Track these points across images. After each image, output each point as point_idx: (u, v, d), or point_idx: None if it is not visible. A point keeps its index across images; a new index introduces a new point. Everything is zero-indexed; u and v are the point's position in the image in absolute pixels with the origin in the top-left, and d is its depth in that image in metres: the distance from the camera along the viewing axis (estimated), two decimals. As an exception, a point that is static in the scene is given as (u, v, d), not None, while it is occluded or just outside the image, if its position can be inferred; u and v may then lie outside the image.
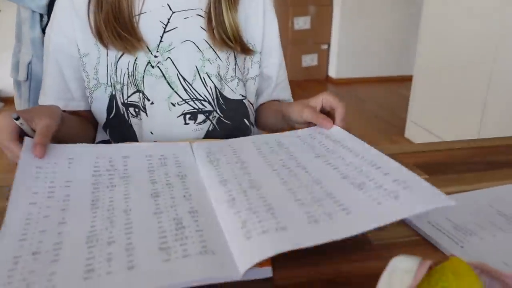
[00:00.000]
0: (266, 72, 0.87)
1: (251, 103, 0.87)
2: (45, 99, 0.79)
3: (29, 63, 0.86)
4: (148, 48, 0.74)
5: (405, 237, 0.49)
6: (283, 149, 0.61)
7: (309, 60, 4.16)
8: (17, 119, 0.56)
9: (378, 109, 3.41)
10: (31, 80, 0.88)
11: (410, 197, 0.44)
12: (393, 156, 0.69)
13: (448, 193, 0.56)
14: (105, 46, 0.74)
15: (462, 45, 2.22)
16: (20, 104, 0.91)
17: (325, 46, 4.17)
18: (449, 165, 0.67)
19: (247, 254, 0.40)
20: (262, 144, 0.64)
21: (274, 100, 0.91)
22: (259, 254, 0.39)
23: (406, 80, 3.92)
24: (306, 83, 4.02)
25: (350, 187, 0.48)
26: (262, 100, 0.91)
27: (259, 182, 0.52)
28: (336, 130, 0.65)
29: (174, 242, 0.42)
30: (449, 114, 2.35)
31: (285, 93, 0.93)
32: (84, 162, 0.57)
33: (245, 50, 0.80)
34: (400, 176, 0.48)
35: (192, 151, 0.63)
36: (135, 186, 0.53)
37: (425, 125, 2.56)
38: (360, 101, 3.63)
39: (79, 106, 0.81)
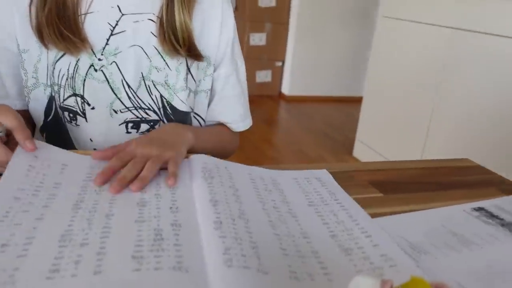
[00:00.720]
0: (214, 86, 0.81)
1: (202, 118, 0.82)
2: None
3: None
4: (93, 51, 0.70)
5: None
6: (278, 190, 0.60)
7: (263, 76, 4.20)
8: (1, 131, 0.55)
9: (327, 127, 3.48)
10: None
11: (393, 276, 0.43)
12: (348, 173, 0.71)
13: (401, 212, 0.58)
14: (45, 45, 0.69)
15: (409, 70, 2.32)
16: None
17: (279, 63, 4.23)
18: (402, 184, 0.69)
19: (225, 282, 0.37)
20: (258, 178, 0.62)
21: (220, 123, 0.85)
22: (240, 287, 0.37)
23: (356, 101, 4.05)
24: (259, 98, 4.04)
25: (337, 250, 0.47)
26: (207, 118, 0.84)
27: (248, 215, 0.50)
28: (330, 179, 0.66)
29: (149, 253, 0.40)
30: (395, 136, 2.44)
31: (229, 113, 0.83)
32: (77, 169, 0.57)
33: (196, 56, 0.75)
34: (389, 251, 0.47)
35: (188, 164, 0.61)
36: (124, 193, 0.52)
37: (372, 145, 2.64)
38: (310, 119, 3.70)
39: (14, 104, 0.73)
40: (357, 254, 0.46)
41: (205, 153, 0.65)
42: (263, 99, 4.10)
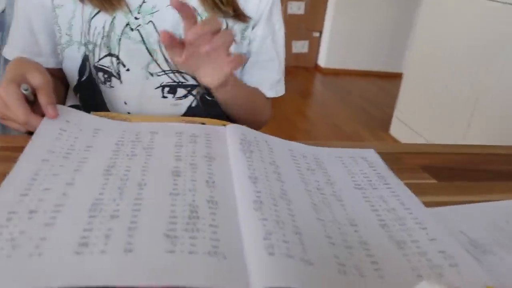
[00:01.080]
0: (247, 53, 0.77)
1: None
2: (9, 50, 0.70)
3: (3, 11, 0.77)
4: (129, 8, 0.66)
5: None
6: (321, 169, 0.55)
7: (300, 46, 4.08)
8: (27, 90, 0.52)
9: (364, 102, 3.37)
10: (4, 31, 0.79)
11: (455, 278, 0.38)
12: (396, 155, 0.65)
13: (458, 202, 0.52)
14: (81, 0, 0.66)
15: (456, 46, 2.18)
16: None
17: (316, 34, 4.10)
18: (458, 170, 0.62)
19: (267, 272, 0.33)
20: (299, 155, 0.57)
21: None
22: (283, 280, 0.32)
23: (394, 77, 3.90)
24: (294, 69, 3.94)
25: (388, 242, 0.42)
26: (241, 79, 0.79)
27: (290, 196, 0.45)
28: (378, 160, 0.59)
29: (183, 232, 0.36)
30: (436, 116, 2.32)
31: (261, 78, 0.78)
32: (110, 133, 0.54)
33: (239, 16, 0.70)
34: (448, 248, 0.42)
35: (225, 133, 0.56)
36: (157, 158, 0.48)
37: (411, 123, 2.53)
38: (346, 92, 3.59)
39: (48, 62, 0.71)
40: (411, 248, 0.41)
41: (239, 108, 0.60)
42: (299, 70, 4.00)
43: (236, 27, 0.73)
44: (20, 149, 0.47)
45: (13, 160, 0.45)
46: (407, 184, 0.55)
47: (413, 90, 2.54)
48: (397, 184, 0.54)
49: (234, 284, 0.32)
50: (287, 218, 0.41)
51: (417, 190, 0.54)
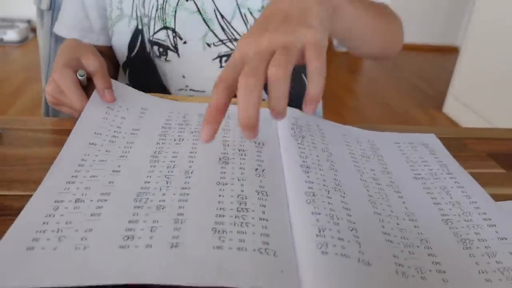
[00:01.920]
0: None
1: None
2: (59, 28, 0.70)
3: (53, -9, 0.77)
4: None
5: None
6: (376, 156, 0.51)
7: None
8: (83, 75, 0.52)
9: (415, 78, 3.23)
10: (55, 10, 0.79)
11: None
12: (459, 140, 0.60)
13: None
14: None
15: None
16: (42, 35, 0.83)
17: (367, 6, 3.93)
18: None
19: (320, 273, 0.30)
20: (353, 141, 0.53)
21: None
22: (337, 282, 0.30)
23: (450, 50, 3.70)
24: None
25: (452, 240, 0.38)
26: None
27: (345, 187, 0.42)
28: (439, 146, 0.55)
29: (231, 226, 0.34)
30: (496, 94, 2.18)
31: None
32: (157, 114, 0.53)
33: None
34: None
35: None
36: (205, 145, 0.46)
37: (467, 102, 2.39)
38: (397, 68, 3.44)
39: (98, 40, 0.71)
40: (478, 248, 0.37)
41: (365, 33, 0.53)
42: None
43: None
44: (69, 132, 0.47)
45: (62, 143, 0.45)
46: (471, 174, 0.50)
47: (471, 65, 2.39)
48: (462, 174, 0.49)
49: (284, 285, 0.30)
50: (341, 212, 0.38)
51: (482, 180, 0.50)
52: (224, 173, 0.42)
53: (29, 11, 2.73)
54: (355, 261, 0.32)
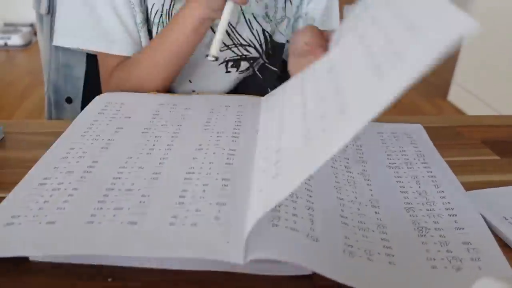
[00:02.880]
0: (309, 13, 0.74)
1: None
2: (77, 41, 0.66)
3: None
4: None
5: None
6: (355, 146, 0.52)
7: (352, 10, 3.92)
8: None
9: (420, 68, 3.21)
10: (53, 14, 0.80)
11: (472, 274, 0.34)
12: (455, 129, 0.60)
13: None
14: None
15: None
16: (42, 39, 0.84)
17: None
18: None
19: (268, 243, 0.32)
20: None
21: None
22: (284, 252, 0.32)
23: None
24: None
25: (409, 226, 0.39)
26: None
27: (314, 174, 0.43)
28: (423, 137, 0.55)
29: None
30: (502, 80, 2.16)
31: (328, 25, 0.75)
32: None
33: None
34: (476, 239, 0.37)
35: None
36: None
37: (472, 89, 2.38)
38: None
39: (121, 50, 0.65)
40: (433, 236, 0.38)
41: None
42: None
43: (294, 2, 0.72)
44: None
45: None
46: (466, 161, 0.51)
47: (474, 53, 2.37)
48: (438, 163, 0.49)
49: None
50: (302, 192, 0.40)
51: (476, 167, 0.51)
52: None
53: (32, 15, 2.76)
54: (303, 235, 0.34)
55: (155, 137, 0.49)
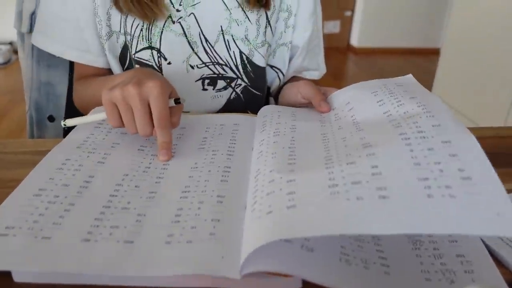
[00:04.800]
0: (294, 41, 0.77)
1: (281, 72, 0.78)
2: (54, 47, 0.68)
3: (32, 13, 0.77)
4: (171, 1, 0.65)
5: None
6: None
7: (331, 26, 3.99)
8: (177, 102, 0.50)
9: (400, 82, 3.27)
10: (35, 32, 0.79)
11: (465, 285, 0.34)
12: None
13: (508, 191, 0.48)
14: (121, 10, 0.64)
15: (498, 21, 2.06)
16: (24, 58, 0.83)
17: (348, 13, 3.99)
18: (505, 156, 0.58)
19: (262, 254, 0.32)
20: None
21: (295, 77, 0.81)
22: (276, 265, 0.32)
23: (432, 53, 3.76)
24: (326, 50, 3.85)
25: (403, 238, 0.39)
26: (290, 73, 0.80)
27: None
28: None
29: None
30: (477, 94, 2.22)
31: (312, 61, 0.81)
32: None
33: (265, 4, 0.69)
34: (468, 251, 0.38)
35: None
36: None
37: (451, 102, 2.43)
38: (381, 72, 3.49)
39: (97, 61, 0.69)
40: (427, 249, 0.38)
41: None
42: (330, 51, 3.91)
43: (281, 16, 0.73)
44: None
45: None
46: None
47: (452, 66, 2.44)
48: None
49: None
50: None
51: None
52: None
53: (11, 33, 2.73)
54: (298, 246, 0.34)
55: (151, 155, 0.49)
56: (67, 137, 0.52)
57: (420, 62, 3.74)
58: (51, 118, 0.81)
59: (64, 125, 0.53)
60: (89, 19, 0.66)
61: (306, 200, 0.34)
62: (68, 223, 0.37)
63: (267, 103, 0.70)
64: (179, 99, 0.50)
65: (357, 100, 0.55)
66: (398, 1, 3.81)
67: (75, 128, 0.53)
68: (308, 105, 0.63)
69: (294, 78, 0.80)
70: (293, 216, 0.32)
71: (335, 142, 0.46)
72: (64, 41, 0.68)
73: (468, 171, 0.34)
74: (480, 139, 0.62)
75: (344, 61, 3.80)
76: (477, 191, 0.31)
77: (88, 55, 0.69)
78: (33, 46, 0.79)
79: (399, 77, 0.59)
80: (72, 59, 0.69)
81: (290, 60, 0.78)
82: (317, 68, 0.82)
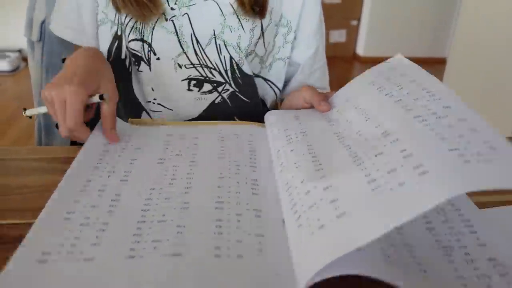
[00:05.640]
0: (295, 58, 0.77)
1: (277, 86, 0.78)
2: (54, 27, 0.70)
3: (43, 22, 0.78)
4: None
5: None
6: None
7: (337, 36, 4.00)
8: (102, 99, 0.53)
9: (406, 91, 3.26)
10: (45, 41, 0.80)
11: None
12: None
13: (507, 203, 0.48)
14: (118, 10, 0.65)
15: (504, 31, 2.06)
16: (33, 66, 0.84)
17: (354, 22, 4.00)
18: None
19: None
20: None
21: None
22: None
23: (438, 62, 3.75)
24: (331, 59, 3.83)
25: (434, 245, 0.39)
26: (292, 87, 0.80)
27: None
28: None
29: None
30: (483, 104, 2.21)
31: (321, 82, 0.81)
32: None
33: (260, 12, 0.69)
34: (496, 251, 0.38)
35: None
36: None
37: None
38: (387, 81, 3.49)
39: (89, 43, 0.70)
40: (458, 254, 0.38)
41: None
42: (336, 60, 3.92)
43: (280, 31, 0.73)
44: (61, 160, 0.48)
45: (55, 171, 0.46)
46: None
47: (459, 76, 2.43)
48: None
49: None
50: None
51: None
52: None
53: (20, 41, 2.76)
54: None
55: (173, 166, 0.49)
56: (79, 156, 0.50)
57: (426, 70, 3.74)
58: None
59: (26, 114, 0.56)
60: (89, 2, 0.67)
61: (352, 204, 0.34)
62: (107, 242, 0.36)
63: (263, 113, 0.70)
64: (103, 95, 0.52)
65: (356, 93, 0.56)
66: (404, 11, 3.82)
67: (86, 147, 0.52)
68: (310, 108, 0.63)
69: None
70: (347, 224, 0.32)
71: (352, 139, 0.46)
72: (64, 22, 0.69)
73: (493, 142, 0.34)
74: None
75: (350, 70, 3.80)
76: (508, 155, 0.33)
77: (83, 36, 0.69)
78: (42, 54, 0.80)
79: (389, 59, 0.59)
80: (69, 39, 0.70)
81: (288, 76, 0.79)
82: (324, 88, 0.82)
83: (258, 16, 0.69)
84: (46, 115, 0.81)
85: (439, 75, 2.74)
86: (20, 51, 3.35)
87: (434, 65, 3.79)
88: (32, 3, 0.81)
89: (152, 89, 0.70)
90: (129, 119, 0.61)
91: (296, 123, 0.55)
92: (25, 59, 3.36)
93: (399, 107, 0.46)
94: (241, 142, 0.55)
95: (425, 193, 0.30)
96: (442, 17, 3.85)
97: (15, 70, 3.22)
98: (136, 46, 0.68)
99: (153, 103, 0.71)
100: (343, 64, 3.90)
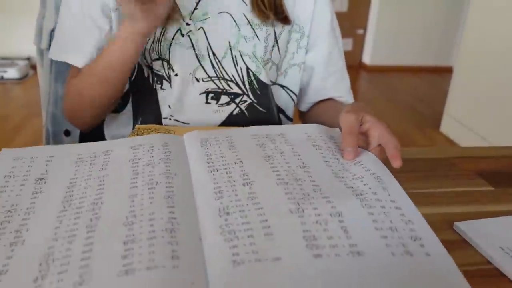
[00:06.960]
0: (308, 62, 0.77)
1: (293, 92, 0.78)
2: (80, 57, 0.67)
3: (52, 30, 0.79)
4: (181, 14, 0.67)
5: (473, 265, 0.41)
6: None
7: (344, 44, 3.99)
8: None
9: (412, 99, 3.26)
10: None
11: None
12: (450, 160, 0.61)
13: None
14: None
15: (511, 39, 2.06)
16: (42, 74, 0.86)
17: (361, 31, 4.01)
18: (518, 176, 0.58)
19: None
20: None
21: (329, 99, 0.78)
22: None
23: (445, 70, 3.75)
24: (338, 68, 3.87)
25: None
26: (312, 95, 0.79)
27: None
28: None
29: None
30: (491, 111, 2.20)
31: (339, 88, 0.79)
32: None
33: (283, 19, 0.70)
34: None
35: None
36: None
37: (464, 120, 2.42)
38: (393, 90, 3.49)
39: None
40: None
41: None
42: (343, 69, 3.93)
43: (293, 37, 0.74)
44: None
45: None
46: (461, 192, 0.52)
47: (466, 83, 2.43)
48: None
49: None
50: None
51: (472, 198, 0.51)
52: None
53: (28, 49, 2.79)
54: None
55: (84, 188, 0.45)
56: None
57: (433, 80, 3.74)
58: (67, 133, 0.82)
59: None
60: (103, 22, 0.67)
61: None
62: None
63: (279, 123, 0.69)
64: None
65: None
66: (410, 19, 3.83)
67: None
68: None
69: (332, 102, 0.78)
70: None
71: (296, 193, 0.43)
72: (90, 49, 0.67)
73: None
74: (496, 158, 0.62)
75: (356, 79, 3.80)
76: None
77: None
78: (51, 62, 0.81)
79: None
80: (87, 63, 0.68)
81: (305, 82, 0.78)
82: (342, 95, 0.79)
83: (282, 22, 0.70)
84: (54, 123, 0.82)
85: (446, 83, 2.74)
86: (28, 58, 3.39)
87: (440, 73, 3.79)
88: (42, 11, 0.82)
89: (169, 106, 0.71)
90: (136, 126, 0.62)
91: (231, 151, 0.51)
92: (33, 67, 3.39)
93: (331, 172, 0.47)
94: (155, 154, 0.50)
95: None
96: (448, 26, 3.85)
97: (23, 77, 3.26)
98: (157, 66, 0.69)
99: (170, 119, 0.71)
100: (349, 72, 3.86)
